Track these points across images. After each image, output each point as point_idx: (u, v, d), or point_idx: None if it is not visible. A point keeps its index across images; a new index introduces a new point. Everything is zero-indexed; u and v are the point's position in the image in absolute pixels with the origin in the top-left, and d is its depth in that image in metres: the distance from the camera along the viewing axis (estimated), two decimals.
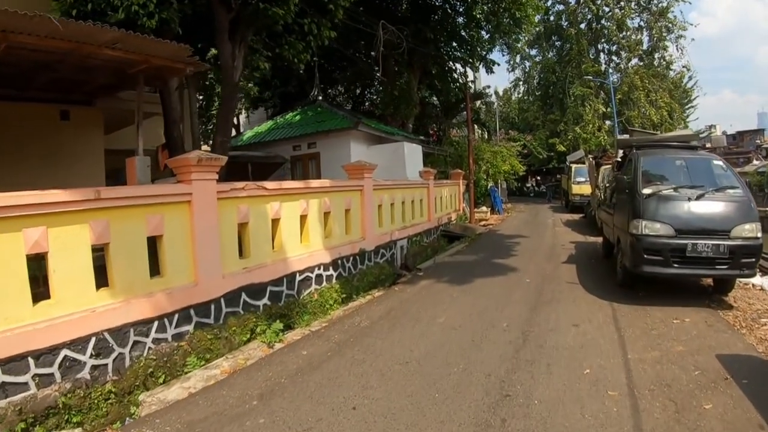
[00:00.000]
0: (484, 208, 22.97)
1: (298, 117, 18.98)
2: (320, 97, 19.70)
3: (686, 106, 39.91)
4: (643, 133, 12.74)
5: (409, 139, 18.15)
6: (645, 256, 6.96)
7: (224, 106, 10.43)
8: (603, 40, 36.45)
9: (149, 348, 4.94)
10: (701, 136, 33.37)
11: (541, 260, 11.19)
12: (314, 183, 8.95)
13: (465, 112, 25.89)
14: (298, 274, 7.51)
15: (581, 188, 23.60)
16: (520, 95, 41.26)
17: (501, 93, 52.51)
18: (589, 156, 22.58)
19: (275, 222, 7.21)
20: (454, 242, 16.41)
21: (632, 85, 33.52)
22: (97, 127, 11.38)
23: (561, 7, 36.27)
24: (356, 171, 10.78)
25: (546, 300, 7.55)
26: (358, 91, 26.69)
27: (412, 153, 16.81)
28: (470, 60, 20.46)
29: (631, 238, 7.13)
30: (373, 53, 21.01)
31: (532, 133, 35.25)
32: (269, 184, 7.00)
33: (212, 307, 5.78)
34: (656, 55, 35.64)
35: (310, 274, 7.87)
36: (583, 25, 35.23)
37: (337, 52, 20.53)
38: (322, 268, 8.25)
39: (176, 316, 5.29)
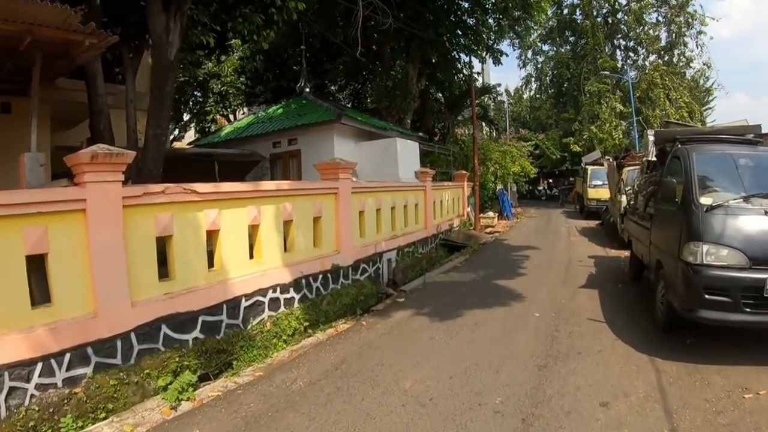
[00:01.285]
0: (490, 214, 20.81)
1: (280, 110, 16.98)
2: (308, 89, 17.66)
3: (704, 107, 37.37)
4: (682, 126, 10.55)
5: (404, 136, 16.05)
6: (705, 296, 4.82)
7: (157, 90, 8.45)
8: (619, 35, 34.27)
9: (32, 396, 3.97)
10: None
11: (554, 282, 9.05)
12: (267, 185, 7.14)
13: (470, 108, 23.86)
14: (244, 299, 6.07)
15: (598, 192, 21.37)
16: (531, 93, 38.97)
17: (512, 92, 50.42)
18: (608, 157, 20.39)
19: (213, 234, 5.85)
20: (454, 253, 14.41)
21: (652, 83, 31.26)
22: (42, 121, 9.63)
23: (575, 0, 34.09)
24: (330, 170, 8.95)
25: (561, 351, 5.42)
26: (359, 86, 24.69)
27: (407, 151, 14.72)
28: (475, 48, 18.31)
29: (685, 267, 5.00)
30: (374, 46, 19.06)
31: (544, 133, 32.96)
32: (202, 187, 5.55)
33: (119, 343, 4.61)
34: (675, 52, 33.41)
35: (261, 298, 6.40)
36: (598, 19, 32.95)
37: (334, 44, 18.64)
38: (279, 290, 6.73)
39: (68, 355, 4.22)
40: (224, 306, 5.78)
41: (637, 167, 12.51)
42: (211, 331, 5.57)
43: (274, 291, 6.66)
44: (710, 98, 38.66)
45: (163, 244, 5.24)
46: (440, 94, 23.01)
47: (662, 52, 33.33)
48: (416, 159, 15.32)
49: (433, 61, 17.58)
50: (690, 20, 31.84)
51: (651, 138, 9.74)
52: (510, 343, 5.77)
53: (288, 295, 6.94)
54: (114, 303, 4.59)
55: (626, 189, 10.31)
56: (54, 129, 10.94)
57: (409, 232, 12.66)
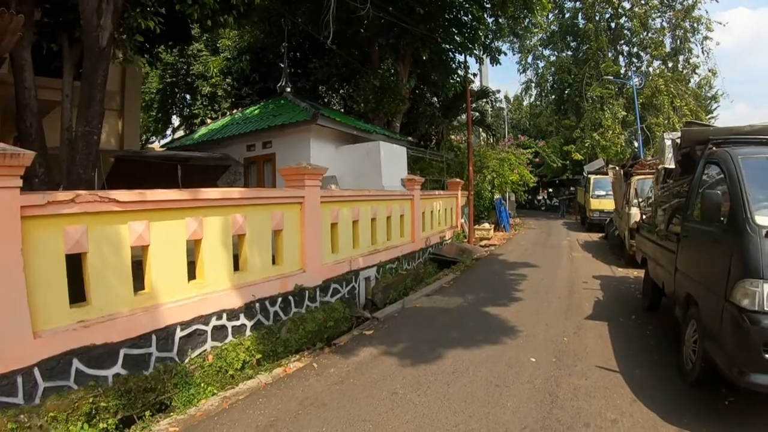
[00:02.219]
0: (486, 225, 19.42)
1: (257, 111, 15.66)
2: (288, 89, 16.34)
3: (708, 116, 35.99)
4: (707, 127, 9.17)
5: (390, 139, 14.70)
6: (765, 355, 3.43)
7: (85, 81, 7.11)
8: (622, 41, 33.03)
9: None
10: None
11: (554, 311, 7.63)
12: (211, 193, 5.87)
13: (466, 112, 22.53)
14: (179, 328, 5.18)
15: (601, 203, 20.07)
16: (532, 99, 37.62)
17: (512, 99, 49.17)
18: (613, 166, 19.06)
19: (142, 250, 5.00)
20: (444, 269, 13.07)
21: (656, 89, 29.98)
22: None
23: (578, 4, 32.86)
24: (294, 176, 7.86)
25: (563, 422, 3.99)
26: (351, 89, 23.34)
27: (393, 156, 13.37)
28: (471, 46, 16.97)
29: (736, 314, 3.61)
30: (361, 44, 17.73)
31: (544, 140, 31.57)
32: (124, 194, 4.68)
33: (19, 380, 3.87)
34: (681, 58, 32.16)
35: (202, 327, 5.49)
36: (601, 23, 31.70)
37: (324, 44, 17.33)
38: (225, 316, 5.81)
39: None
40: (153, 336, 4.89)
41: (649, 176, 11.17)
42: (137, 365, 4.73)
43: (219, 318, 5.70)
44: (715, 106, 37.40)
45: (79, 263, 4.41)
46: (435, 98, 21.64)
47: (667, 59, 32.04)
48: (403, 165, 13.97)
49: (424, 58, 16.22)
50: (696, 25, 30.67)
51: (667, 142, 8.43)
52: (494, 405, 4.35)
53: (237, 323, 5.98)
54: (10, 333, 3.84)
55: (638, 201, 8.90)
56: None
57: (393, 246, 11.40)
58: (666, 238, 5.91)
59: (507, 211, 25.01)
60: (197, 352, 5.37)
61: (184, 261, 5.32)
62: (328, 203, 8.55)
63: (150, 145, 23.83)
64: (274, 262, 7.05)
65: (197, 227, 5.48)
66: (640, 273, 10.13)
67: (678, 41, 31.44)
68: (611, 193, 19.51)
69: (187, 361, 5.22)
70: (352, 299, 9.28)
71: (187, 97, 26.74)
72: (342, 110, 20.89)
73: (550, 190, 39.96)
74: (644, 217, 8.28)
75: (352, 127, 13.37)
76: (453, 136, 22.59)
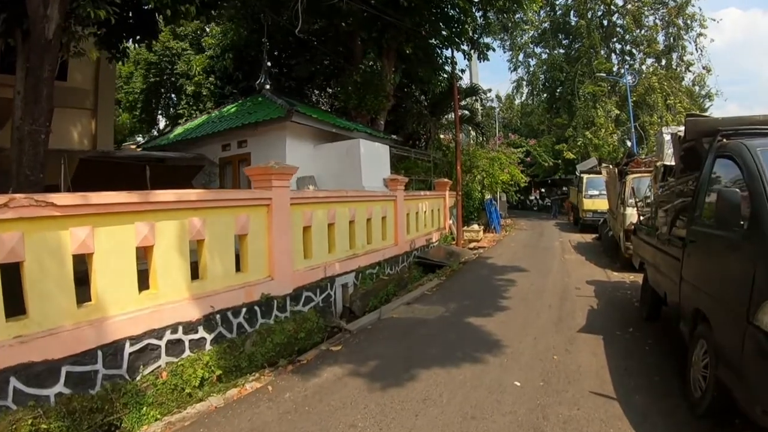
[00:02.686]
0: (475, 227, 18.72)
1: (234, 109, 14.93)
2: (268, 86, 15.60)
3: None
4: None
5: (372, 137, 13.99)
6: None
7: (32, 75, 6.47)
8: (615, 39, 32.53)
9: None
10: None
11: (544, 323, 6.93)
12: (164, 195, 5.34)
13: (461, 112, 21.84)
14: (128, 343, 4.74)
15: (594, 203, 19.44)
16: (523, 98, 36.99)
17: (503, 98, 48.58)
18: (607, 164, 18.44)
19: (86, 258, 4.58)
20: (429, 274, 12.43)
21: (650, 87, 29.48)
22: None
23: (570, 0, 32.29)
24: (261, 177, 7.19)
25: None
26: (338, 87, 22.57)
27: (374, 155, 12.66)
28: (458, 41, 16.27)
29: (763, 341, 2.92)
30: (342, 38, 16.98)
31: (536, 139, 30.94)
32: (63, 198, 4.29)
33: None
34: (674, 55, 31.72)
35: (155, 341, 5.02)
36: (593, 21, 31.14)
37: (309, 42, 16.61)
38: (181, 329, 5.31)
39: None
40: (99, 352, 4.47)
41: (645, 175, 10.54)
42: (83, 384, 4.32)
43: (175, 331, 5.22)
44: (708, 105, 36.87)
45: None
46: (423, 96, 20.93)
47: (660, 56, 31.56)
48: (386, 164, 13.26)
49: (408, 52, 15.49)
50: (689, 22, 30.22)
51: (666, 137, 7.82)
52: None
53: (195, 336, 5.46)
54: None
55: (635, 201, 8.22)
56: None
57: (374, 250, 10.76)
58: (669, 242, 5.23)
59: (498, 212, 24.36)
60: (150, 368, 4.91)
61: (133, 270, 4.86)
62: (299, 205, 7.91)
63: (127, 146, 23.06)
64: (239, 270, 6.45)
65: (148, 233, 4.99)
66: (636, 277, 9.50)
67: (671, 38, 31.06)
68: (605, 192, 18.87)
69: (138, 378, 4.77)
70: (327, 308, 8.62)
71: (173, 97, 26.14)
72: (329, 109, 20.21)
73: (542, 190, 39.37)
74: (642, 218, 7.59)
75: (330, 125, 12.64)
76: (442, 135, 21.87)
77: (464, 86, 20.79)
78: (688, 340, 4.45)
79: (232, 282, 6.22)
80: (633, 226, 8.57)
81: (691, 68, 31.55)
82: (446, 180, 17.20)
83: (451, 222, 17.38)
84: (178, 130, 16.42)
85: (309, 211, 8.23)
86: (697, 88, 32.80)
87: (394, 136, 15.45)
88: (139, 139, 26.70)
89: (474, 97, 21.44)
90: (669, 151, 7.81)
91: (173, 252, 5.33)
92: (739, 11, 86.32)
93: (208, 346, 5.60)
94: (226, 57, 22.21)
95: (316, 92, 22.39)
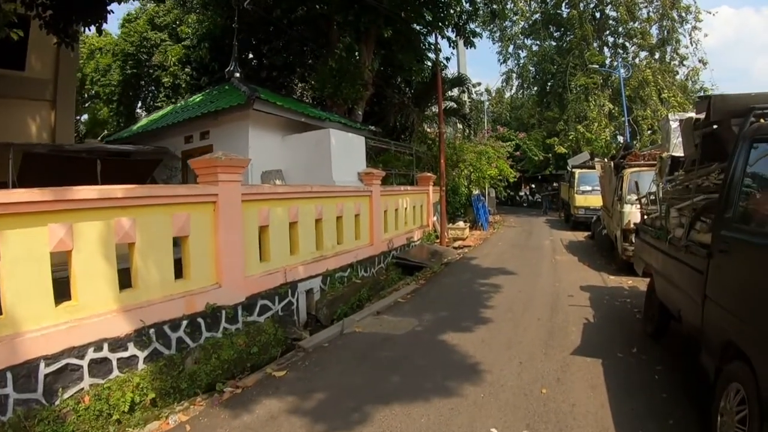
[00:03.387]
0: (461, 224, 17.68)
1: (199, 99, 13.82)
2: (237, 74, 14.45)
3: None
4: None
5: (347, 128, 12.87)
6: None
7: None
8: (608, 31, 31.56)
9: None
10: None
11: (531, 342, 5.86)
12: (85, 192, 4.50)
13: (446, 104, 20.73)
14: (44, 363, 4.07)
15: (587, 200, 18.46)
16: (513, 91, 35.91)
17: (493, 92, 47.56)
18: (599, 159, 17.47)
19: None
20: (408, 276, 11.45)
21: (643, 80, 28.54)
22: None
23: None
24: (206, 170, 6.28)
25: None
26: (307, 75, 21.20)
27: (347, 146, 11.56)
28: (442, 26, 15.13)
29: None
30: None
31: (527, 133, 29.89)
32: None
33: None
34: (668, 49, 30.76)
35: (76, 361, 4.33)
36: (585, 13, 30.13)
37: (280, 29, 15.39)
38: (107, 346, 4.59)
39: None
40: (9, 374, 3.89)
41: (645, 169, 9.56)
42: None
43: (99, 349, 4.51)
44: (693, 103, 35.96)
45: None
46: (407, 87, 19.77)
47: (654, 49, 30.64)
48: (361, 157, 12.16)
49: (386, 35, 14.33)
50: (684, 14, 29.29)
51: (673, 124, 6.78)
52: None
53: (124, 354, 4.75)
54: None
55: (638, 198, 7.16)
56: None
57: (346, 251, 9.77)
58: (687, 249, 4.16)
59: (486, 208, 23.35)
60: (70, 392, 4.28)
61: (47, 279, 4.17)
62: (253, 202, 6.95)
63: (94, 140, 21.90)
64: (180, 277, 5.62)
65: (65, 236, 4.26)
66: (635, 282, 8.52)
67: (665, 31, 30.11)
68: (598, 188, 17.92)
69: (57, 403, 4.16)
70: (288, 317, 7.63)
71: (154, 89, 25.03)
72: (311, 101, 19.04)
73: (533, 185, 38.39)
74: (647, 217, 6.54)
75: (299, 114, 11.50)
76: (428, 129, 20.76)
77: (450, 76, 19.68)
78: (713, 379, 3.40)
79: (171, 291, 5.39)
80: (634, 226, 7.56)
81: (685, 62, 30.67)
82: (430, 174, 16.12)
83: (435, 219, 16.32)
84: (143, 122, 15.30)
85: (265, 208, 7.23)
86: (690, 83, 31.91)
87: (372, 127, 14.32)
88: (105, 132, 25.52)
89: (461, 88, 20.30)
90: (677, 140, 6.75)
91: (97, 257, 4.57)
92: (731, 9, 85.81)
93: (140, 365, 4.86)
94: (202, 47, 21.09)
95: (297, 83, 21.24)
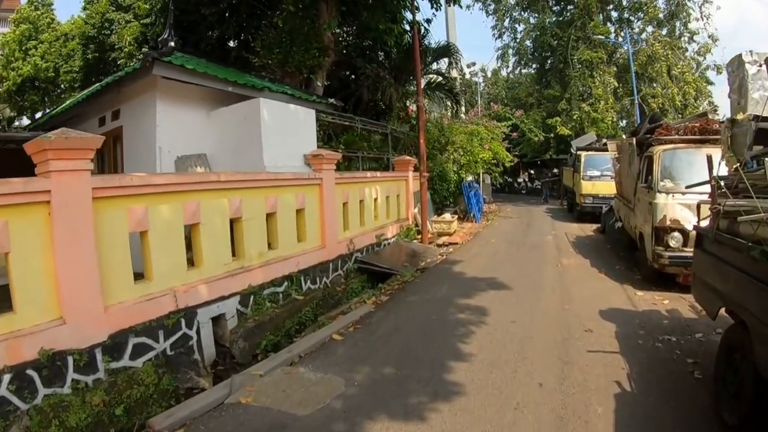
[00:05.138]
0: (447, 216, 15.05)
1: (123, 73, 11.07)
2: (172, 43, 11.75)
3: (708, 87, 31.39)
4: None
5: (296, 100, 10.19)
6: None
7: None
8: (611, 5, 28.68)
9: None
10: None
11: None
12: None
13: (425, 77, 17.93)
14: None
15: (595, 186, 15.79)
16: (509, 69, 32.95)
17: (489, 72, 44.60)
18: (621, 136, 14.83)
19: None
20: (373, 288, 9.01)
21: (652, 55, 25.78)
22: None
23: None
24: (38, 156, 4.30)
25: None
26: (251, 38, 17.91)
27: (287, 121, 8.88)
28: None
29: None
30: None
31: (524, 111, 26.99)
32: None
33: None
34: (677, 24, 27.94)
35: None
36: None
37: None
38: None
39: None
40: None
41: (683, 146, 7.00)
42: None
43: None
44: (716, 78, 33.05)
45: None
46: (386, 59, 16.93)
47: (661, 24, 27.85)
48: (310, 136, 9.45)
49: None
50: None
51: (751, 68, 4.18)
52: None
53: None
54: None
55: (713, 184, 4.43)
56: None
57: (282, 258, 7.43)
58: None
59: (481, 196, 20.70)
60: None
61: None
62: (116, 199, 4.84)
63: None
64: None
65: None
66: (674, 302, 6.05)
67: (674, 4, 27.26)
68: (608, 173, 15.29)
69: None
70: (185, 356, 5.46)
71: (115, 72, 22.44)
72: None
73: (531, 171, 35.55)
74: (721, 216, 3.87)
75: (223, 81, 8.78)
76: (411, 106, 17.96)
77: (434, 45, 16.89)
78: None
79: None
80: (675, 226, 4.94)
81: (695, 38, 27.86)
82: (409, 158, 13.46)
83: (416, 211, 13.70)
84: (67, 103, 12.61)
85: (140, 207, 5.05)
86: (702, 59, 29.11)
87: (331, 100, 11.60)
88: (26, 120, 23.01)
89: (448, 58, 17.47)
90: (761, 92, 4.17)
91: None
92: None
93: None
94: (158, 23, 18.39)
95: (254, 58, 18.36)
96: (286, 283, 7.42)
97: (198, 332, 5.70)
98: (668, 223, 6.87)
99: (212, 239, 6.08)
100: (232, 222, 6.52)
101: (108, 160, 10.08)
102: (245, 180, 6.78)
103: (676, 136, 7.75)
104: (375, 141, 12.67)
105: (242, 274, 6.52)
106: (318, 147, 9.56)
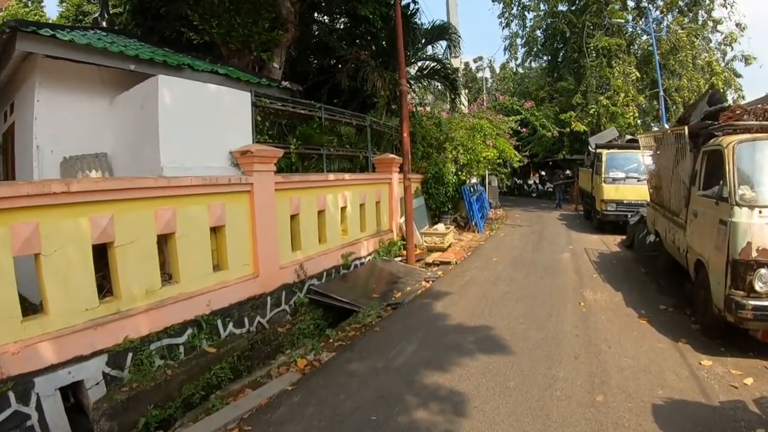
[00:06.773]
0: (440, 227, 12.62)
1: None
2: (104, 22, 9.56)
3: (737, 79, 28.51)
4: None
5: (232, 82, 7.83)
6: None
7: None
8: None
9: None
10: None
11: None
12: None
13: (423, 63, 15.50)
14: None
15: (619, 190, 13.23)
16: (518, 61, 30.23)
17: (497, 67, 42.00)
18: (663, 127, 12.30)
19: None
20: (330, 328, 6.64)
21: (677, 43, 23.20)
22: None
23: None
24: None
25: None
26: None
27: (202, 108, 6.47)
28: None
29: None
30: None
31: (535, 104, 24.30)
32: None
33: None
34: (700, 12, 25.35)
35: None
36: None
37: None
38: None
39: None
40: None
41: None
42: None
43: None
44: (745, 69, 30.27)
45: None
46: (373, 43, 14.51)
47: (682, 12, 25.29)
48: (244, 127, 7.05)
49: None
50: None
51: None
52: None
53: None
54: None
55: None
56: None
57: (186, 296, 5.13)
58: None
59: (486, 201, 18.26)
60: None
61: None
62: None
63: None
64: None
65: None
66: (762, 381, 3.48)
67: None
68: (635, 175, 12.81)
69: None
70: None
71: None
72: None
73: (543, 173, 32.82)
74: None
75: (121, 58, 6.42)
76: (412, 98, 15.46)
77: (427, 24, 14.41)
78: None
79: None
80: None
81: (719, 26, 25.24)
82: (393, 156, 11.06)
83: (401, 221, 11.29)
84: None
85: None
86: (729, 49, 26.43)
87: (286, 83, 9.19)
88: None
89: (446, 42, 14.97)
90: None
91: None
92: None
93: None
94: (125, 10, 16.18)
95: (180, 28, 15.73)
96: (190, 331, 5.14)
97: (40, 407, 3.84)
98: (754, 254, 4.42)
99: (62, 276, 3.97)
100: (104, 248, 4.30)
101: (5, 155, 7.95)
102: (117, 189, 4.47)
103: (755, 122, 5.28)
104: (349, 135, 10.25)
105: (116, 322, 4.37)
106: (258, 143, 7.19)
